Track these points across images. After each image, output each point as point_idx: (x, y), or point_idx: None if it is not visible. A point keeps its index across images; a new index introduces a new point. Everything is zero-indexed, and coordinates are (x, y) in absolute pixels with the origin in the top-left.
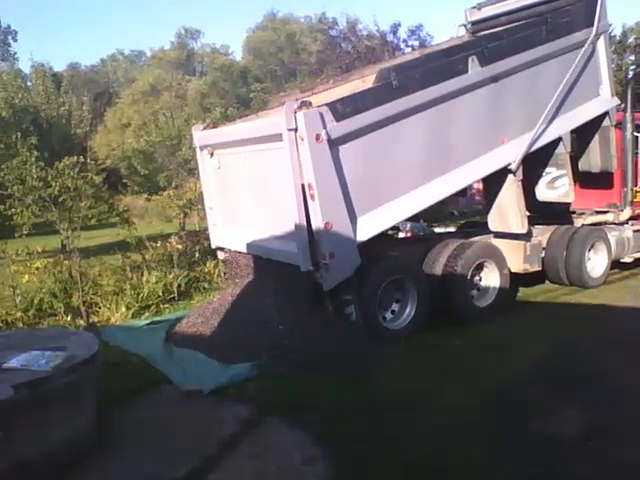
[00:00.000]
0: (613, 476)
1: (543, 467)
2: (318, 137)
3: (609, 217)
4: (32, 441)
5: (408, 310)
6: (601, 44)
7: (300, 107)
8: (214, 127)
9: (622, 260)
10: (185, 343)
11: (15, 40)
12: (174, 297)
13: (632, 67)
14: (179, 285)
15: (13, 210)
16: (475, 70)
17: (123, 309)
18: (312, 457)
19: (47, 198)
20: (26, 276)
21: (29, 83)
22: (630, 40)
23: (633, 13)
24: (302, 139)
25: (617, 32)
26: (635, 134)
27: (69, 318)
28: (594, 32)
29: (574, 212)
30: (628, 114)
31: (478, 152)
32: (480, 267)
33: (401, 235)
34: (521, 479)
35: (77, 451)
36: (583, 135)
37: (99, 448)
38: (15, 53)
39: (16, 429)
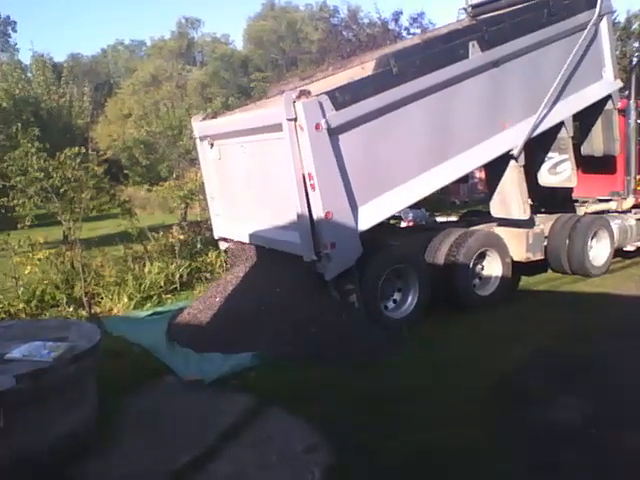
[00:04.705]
0: (615, 464)
1: (545, 456)
2: (318, 126)
3: (612, 205)
4: (33, 431)
5: (410, 299)
6: (604, 26)
7: (299, 96)
8: (214, 117)
9: (625, 248)
10: (187, 333)
11: (15, 31)
12: (176, 287)
13: (636, 54)
14: (181, 275)
15: (15, 201)
16: (476, 55)
17: (125, 300)
18: (313, 446)
19: (49, 189)
20: (28, 267)
21: (29, 74)
22: (634, 27)
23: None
24: (302, 129)
25: (621, 18)
26: (639, 121)
27: (71, 309)
28: (597, 13)
29: (577, 200)
30: (632, 101)
31: (480, 138)
32: (482, 256)
33: (403, 224)
34: (522, 469)
35: (78, 441)
36: (586, 119)
37: (100, 438)
38: (15, 44)
39: (17, 419)
